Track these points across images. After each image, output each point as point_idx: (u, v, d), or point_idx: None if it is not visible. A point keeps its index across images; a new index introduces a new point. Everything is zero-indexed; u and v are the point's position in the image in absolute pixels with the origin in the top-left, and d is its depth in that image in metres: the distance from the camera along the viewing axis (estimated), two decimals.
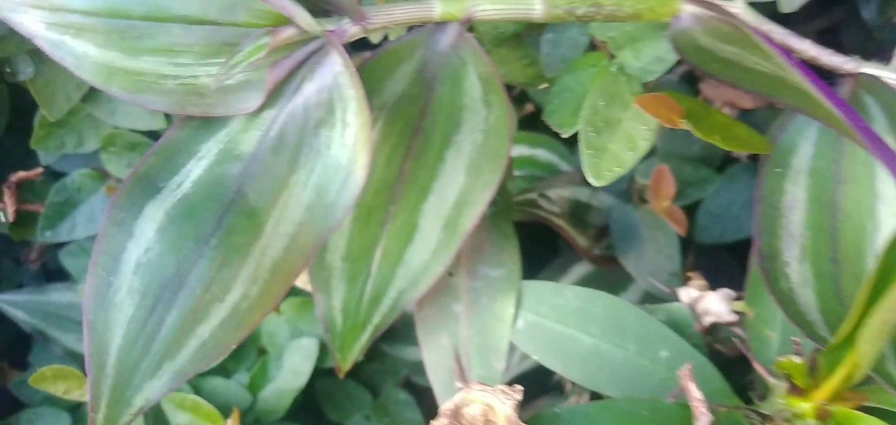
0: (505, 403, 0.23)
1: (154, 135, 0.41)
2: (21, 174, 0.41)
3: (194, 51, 0.24)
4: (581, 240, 0.41)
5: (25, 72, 0.37)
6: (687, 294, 0.32)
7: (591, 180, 0.27)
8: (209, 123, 0.25)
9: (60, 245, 0.45)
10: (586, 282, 0.43)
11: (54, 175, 0.44)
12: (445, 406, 0.23)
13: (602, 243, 0.43)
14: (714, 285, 0.35)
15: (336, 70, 0.25)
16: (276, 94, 0.25)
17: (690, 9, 0.27)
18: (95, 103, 0.39)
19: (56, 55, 0.23)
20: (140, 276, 0.23)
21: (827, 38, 0.31)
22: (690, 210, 0.41)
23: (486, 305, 0.33)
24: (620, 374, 0.29)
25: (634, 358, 0.30)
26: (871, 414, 0.24)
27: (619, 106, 0.28)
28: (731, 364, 0.33)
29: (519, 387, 0.23)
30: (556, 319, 0.31)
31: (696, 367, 0.29)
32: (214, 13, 0.24)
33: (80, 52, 0.23)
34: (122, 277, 0.23)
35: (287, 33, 0.25)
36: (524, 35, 0.31)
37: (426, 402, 0.45)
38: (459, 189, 0.30)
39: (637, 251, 0.41)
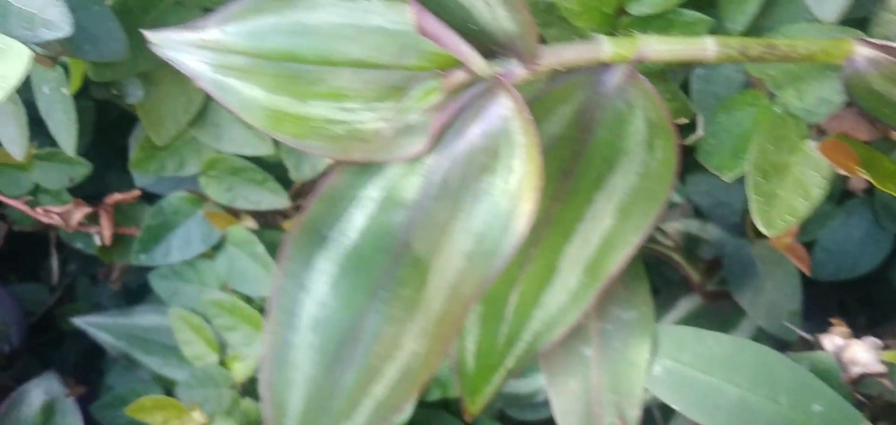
0: None
1: (258, 161, 0.40)
2: (117, 196, 0.40)
3: (363, 95, 0.23)
4: (694, 275, 0.40)
5: (134, 94, 0.36)
6: (831, 342, 0.31)
7: (762, 228, 0.25)
8: (368, 168, 0.24)
9: (142, 266, 0.44)
10: (694, 316, 0.42)
11: (145, 196, 0.43)
12: None
13: (713, 278, 0.41)
14: (822, 325, 0.33)
15: (504, 114, 0.24)
16: (439, 138, 0.24)
17: (865, 52, 0.25)
18: (201, 127, 0.38)
19: (220, 97, 0.22)
20: (318, 334, 0.22)
21: None
22: (807, 247, 0.40)
23: (618, 349, 0.32)
24: None
25: (786, 412, 0.29)
26: None
27: (787, 150, 0.26)
28: (877, 417, 0.32)
29: None
30: (698, 367, 0.30)
31: (851, 420, 0.28)
32: (385, 57, 0.23)
33: (247, 96, 0.22)
34: (299, 334, 0.22)
35: (457, 77, 0.23)
36: (669, 70, 0.29)
37: None
38: (606, 232, 0.28)
39: (754, 288, 0.39)
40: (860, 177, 0.25)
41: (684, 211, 0.40)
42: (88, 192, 0.42)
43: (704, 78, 0.29)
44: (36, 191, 0.41)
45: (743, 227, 0.40)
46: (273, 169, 0.40)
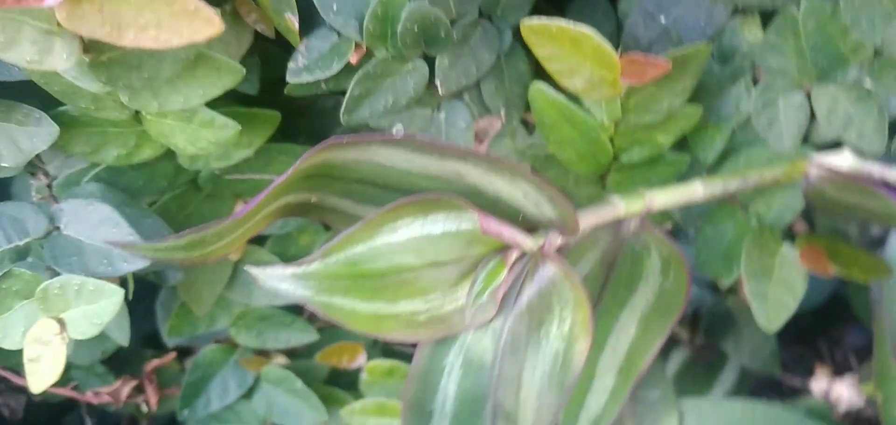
0: None
1: (285, 307, 0.43)
2: (155, 362, 0.43)
3: (441, 287, 0.27)
4: (682, 333, 0.46)
5: (175, 277, 0.39)
6: (819, 385, 0.37)
7: (765, 326, 0.31)
8: (445, 341, 0.28)
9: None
10: (686, 366, 0.48)
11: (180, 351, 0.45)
12: None
13: (698, 331, 0.47)
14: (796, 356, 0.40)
15: (551, 276, 0.28)
16: (502, 303, 0.29)
17: (817, 171, 0.32)
18: (233, 289, 0.41)
19: (326, 313, 0.26)
20: None
21: None
22: None
23: None
24: None
25: None
26: None
27: (768, 254, 0.32)
28: None
29: None
30: None
31: None
32: (455, 253, 0.27)
33: (350, 309, 0.26)
34: None
35: (512, 254, 0.28)
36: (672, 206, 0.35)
37: None
38: (631, 340, 0.34)
39: (734, 335, 0.45)
40: (830, 272, 0.31)
41: None
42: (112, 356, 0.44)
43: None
44: (68, 368, 0.43)
45: (715, 285, 0.46)
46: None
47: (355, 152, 0.25)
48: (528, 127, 0.34)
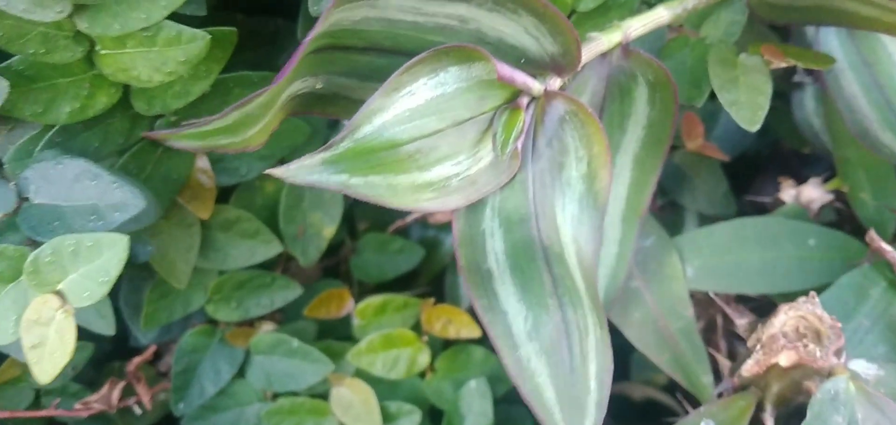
0: (815, 308, 0.28)
1: (264, 266, 0.41)
2: (137, 360, 0.40)
3: (465, 147, 0.27)
4: None
5: (145, 252, 0.36)
6: (788, 194, 0.40)
7: (747, 127, 0.33)
8: (475, 206, 0.28)
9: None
10: None
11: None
12: (770, 332, 0.28)
13: (656, 195, 0.49)
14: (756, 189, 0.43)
15: (561, 115, 0.29)
16: (522, 154, 0.29)
17: None
18: (205, 257, 0.39)
19: (367, 195, 0.25)
20: (535, 341, 0.26)
21: None
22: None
23: (656, 270, 0.39)
24: (789, 272, 0.36)
25: (794, 254, 0.37)
26: None
27: (730, 66, 0.34)
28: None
29: (813, 293, 0.29)
30: (718, 254, 0.38)
31: (837, 241, 0.37)
32: (472, 109, 0.27)
33: (387, 184, 0.25)
34: (523, 349, 0.26)
35: (524, 101, 0.28)
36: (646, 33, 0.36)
37: None
38: (628, 183, 0.35)
39: (689, 187, 0.48)
40: (789, 63, 0.34)
41: None
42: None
43: (641, 40, 0.36)
44: (38, 395, 0.39)
45: None
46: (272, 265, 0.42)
47: (365, 8, 0.24)
48: None
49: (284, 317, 0.45)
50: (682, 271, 0.38)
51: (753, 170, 0.52)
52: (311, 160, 0.24)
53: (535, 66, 0.29)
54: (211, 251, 0.39)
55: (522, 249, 0.28)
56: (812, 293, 0.29)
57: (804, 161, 0.49)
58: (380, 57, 0.26)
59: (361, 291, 0.47)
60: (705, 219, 0.49)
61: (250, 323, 0.42)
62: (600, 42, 0.31)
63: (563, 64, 0.28)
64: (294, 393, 0.42)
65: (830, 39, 0.38)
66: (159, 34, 0.27)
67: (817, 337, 0.28)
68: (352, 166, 0.25)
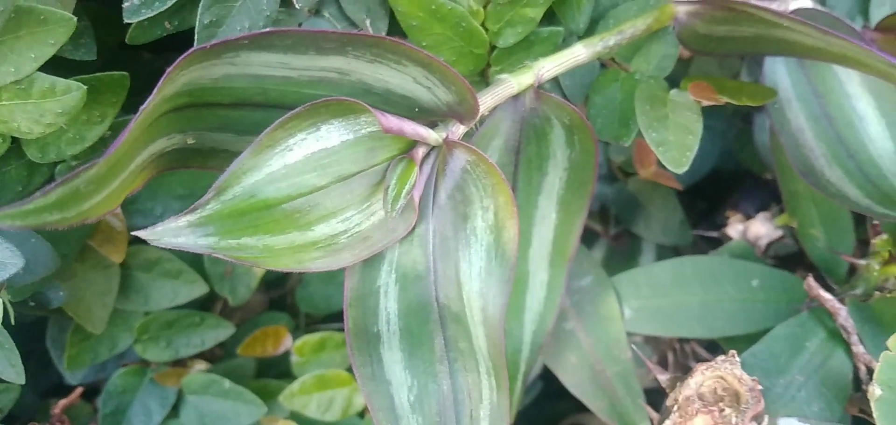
0: (734, 368, 0.27)
1: (194, 305, 0.40)
2: (62, 403, 0.39)
3: (353, 203, 0.26)
4: (598, 227, 0.46)
5: (57, 298, 0.35)
6: (735, 230, 0.38)
7: (673, 169, 0.31)
8: (372, 260, 0.27)
9: None
10: (608, 258, 0.48)
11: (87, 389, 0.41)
12: (685, 394, 0.27)
13: (610, 223, 0.48)
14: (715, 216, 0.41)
15: (463, 165, 0.27)
16: (421, 207, 0.27)
17: (685, 8, 0.32)
18: (126, 298, 0.38)
19: (238, 258, 0.24)
20: (419, 412, 0.25)
21: None
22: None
23: (592, 312, 0.37)
24: (730, 315, 0.35)
25: (735, 296, 0.35)
26: None
27: (659, 103, 0.32)
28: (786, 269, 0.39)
29: (733, 352, 0.27)
30: (657, 296, 0.36)
31: (781, 281, 0.35)
32: (359, 164, 0.25)
33: (262, 246, 0.24)
34: (406, 421, 0.24)
35: (420, 152, 0.27)
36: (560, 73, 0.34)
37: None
38: (555, 225, 0.33)
39: (643, 217, 0.46)
40: (721, 101, 0.32)
41: None
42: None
43: (569, 74, 0.34)
44: None
45: (613, 175, 0.47)
46: (204, 304, 0.41)
47: (225, 65, 0.23)
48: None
49: (225, 352, 0.43)
50: (619, 312, 0.36)
51: (715, 198, 0.51)
52: (176, 223, 0.23)
53: (434, 115, 0.27)
54: (132, 292, 0.38)
55: (416, 309, 0.26)
56: (732, 352, 0.28)
57: (770, 188, 0.47)
58: (255, 111, 0.24)
59: (309, 323, 0.46)
60: (663, 250, 0.47)
61: (183, 363, 0.41)
62: (510, 85, 0.29)
63: (461, 112, 0.27)
64: None
65: (778, 69, 0.36)
66: (33, 86, 0.26)
67: (736, 400, 0.26)
68: (221, 228, 0.23)
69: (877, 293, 0.32)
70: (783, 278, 0.35)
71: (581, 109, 0.30)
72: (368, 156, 0.26)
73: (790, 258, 0.39)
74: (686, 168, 0.32)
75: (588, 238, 0.47)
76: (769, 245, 0.38)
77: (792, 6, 0.37)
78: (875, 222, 0.33)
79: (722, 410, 0.26)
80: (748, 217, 0.39)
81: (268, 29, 0.24)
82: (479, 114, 0.28)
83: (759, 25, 0.31)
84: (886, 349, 0.27)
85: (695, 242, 0.47)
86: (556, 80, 0.36)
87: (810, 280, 0.31)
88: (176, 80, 0.21)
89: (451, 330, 0.26)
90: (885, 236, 0.31)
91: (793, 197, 0.36)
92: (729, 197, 0.49)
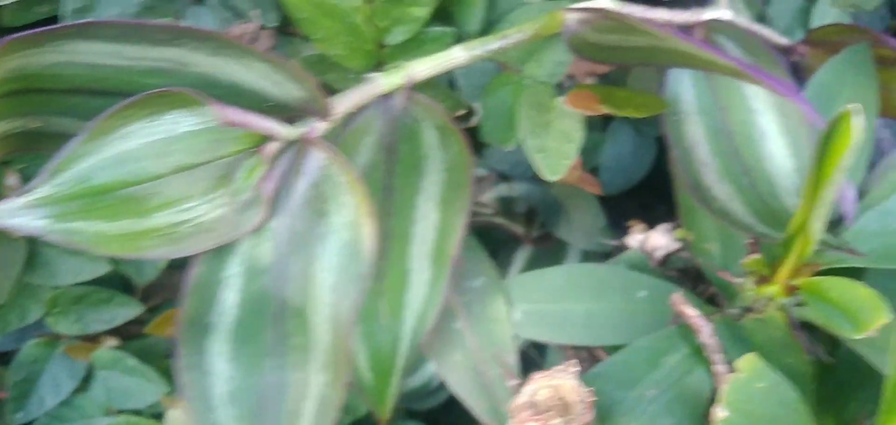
0: (569, 379, 0.27)
1: (100, 282, 0.41)
2: None
3: (196, 193, 0.26)
4: (519, 229, 0.46)
5: None
6: (634, 240, 0.38)
7: (548, 177, 0.31)
8: (222, 251, 0.27)
9: None
10: (532, 261, 0.48)
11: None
12: (519, 401, 0.27)
13: (535, 225, 0.48)
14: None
15: (320, 164, 0.28)
16: (274, 202, 0.28)
17: (574, 16, 0.32)
18: (34, 271, 0.39)
19: (69, 242, 0.24)
20: (236, 405, 0.25)
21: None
22: (594, 172, 0.47)
23: (481, 313, 0.37)
24: (615, 324, 0.34)
25: (621, 306, 0.35)
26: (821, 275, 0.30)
27: (545, 110, 0.32)
28: (684, 282, 0.39)
29: (574, 362, 0.27)
30: (547, 301, 0.36)
31: (670, 293, 0.35)
32: (204, 155, 0.26)
33: (93, 232, 0.24)
34: (219, 412, 0.25)
35: (271, 148, 0.27)
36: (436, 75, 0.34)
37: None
38: (436, 225, 0.33)
39: (566, 221, 0.46)
40: (601, 111, 0.31)
41: (491, 180, 0.46)
42: None
43: (465, 75, 0.34)
44: None
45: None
46: (114, 282, 0.42)
47: (51, 54, 0.23)
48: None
49: (140, 326, 0.44)
50: (507, 315, 0.36)
51: (646, 205, 0.50)
52: (12, 203, 0.24)
53: (291, 111, 0.27)
54: (39, 266, 0.39)
55: (255, 302, 0.27)
56: (571, 362, 0.28)
57: None
58: (94, 98, 0.25)
59: None
60: (589, 255, 0.47)
61: (95, 338, 0.42)
62: (378, 84, 0.29)
63: (316, 110, 0.27)
64: (137, 412, 0.42)
65: (683, 80, 0.36)
66: None
67: (566, 409, 0.26)
68: (54, 212, 0.24)
69: (748, 313, 0.32)
70: (670, 291, 0.35)
71: (448, 113, 0.30)
72: (214, 147, 0.26)
73: (696, 272, 0.39)
74: (561, 176, 0.32)
75: (512, 240, 0.47)
76: (666, 257, 0.38)
77: (706, 16, 0.36)
78: (751, 241, 0.32)
79: (550, 419, 0.26)
80: (651, 227, 0.38)
81: (92, 19, 0.24)
82: (336, 113, 0.28)
83: (639, 36, 0.30)
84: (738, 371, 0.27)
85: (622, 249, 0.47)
86: (452, 80, 0.36)
87: (676, 295, 0.31)
88: (2, 66, 0.22)
89: (288, 325, 0.27)
90: (758, 256, 0.30)
91: (689, 210, 0.36)
92: (660, 204, 0.49)
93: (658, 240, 0.38)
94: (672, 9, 0.36)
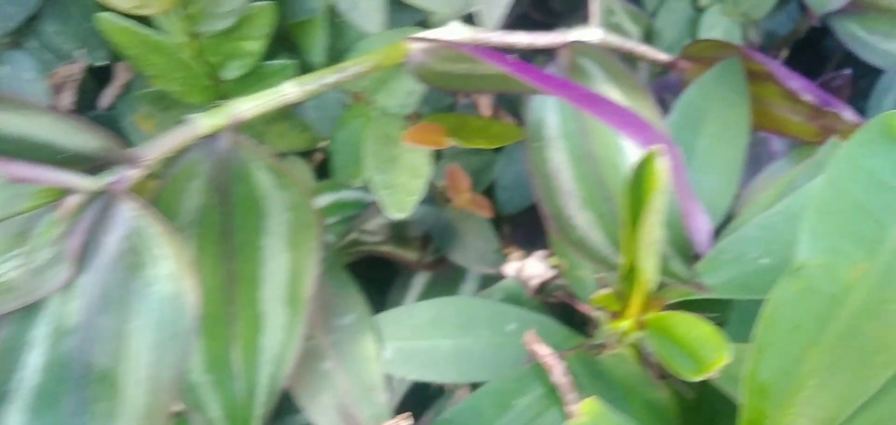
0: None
1: None
2: None
3: None
4: (410, 256, 0.45)
5: None
6: (511, 268, 0.36)
7: (393, 215, 0.30)
8: (31, 310, 0.26)
9: None
10: (429, 287, 0.47)
11: None
12: None
13: (430, 249, 0.46)
14: (535, 247, 0.39)
15: (129, 215, 0.26)
16: (82, 259, 0.26)
17: (419, 46, 0.30)
18: None
19: None
20: None
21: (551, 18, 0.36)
22: (492, 191, 0.46)
23: (350, 351, 0.35)
24: (484, 360, 0.33)
25: (489, 340, 0.34)
26: (677, 308, 0.29)
27: (392, 144, 0.31)
28: (565, 310, 0.38)
29: (407, 414, 0.26)
30: (416, 337, 0.34)
31: (540, 327, 0.33)
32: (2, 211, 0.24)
33: None
34: None
35: (72, 201, 0.25)
36: (291, 107, 0.33)
37: None
38: (287, 266, 0.32)
39: (460, 245, 0.45)
40: (446, 145, 0.30)
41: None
42: None
43: (317, 107, 0.33)
44: None
45: (435, 198, 0.45)
46: None
47: None
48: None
49: None
50: (377, 353, 0.35)
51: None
52: None
53: (94, 161, 0.26)
54: None
55: (58, 366, 0.25)
56: (404, 415, 0.26)
57: None
58: None
59: None
60: (489, 278, 0.46)
61: None
62: (198, 126, 0.28)
63: (120, 158, 0.26)
64: None
65: (548, 106, 0.34)
66: None
67: None
68: None
69: (605, 348, 0.30)
70: (540, 323, 0.34)
71: (276, 157, 0.28)
72: (9, 204, 0.25)
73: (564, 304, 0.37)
74: (407, 214, 0.30)
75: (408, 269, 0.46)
76: (542, 285, 0.36)
77: (571, 37, 0.35)
78: (601, 275, 0.31)
79: None
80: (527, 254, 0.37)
81: None
82: (148, 159, 0.27)
83: (483, 65, 0.29)
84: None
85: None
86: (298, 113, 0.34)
87: (529, 333, 0.30)
88: None
89: (93, 389, 0.25)
90: (608, 290, 0.29)
91: (556, 238, 0.35)
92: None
93: (534, 268, 0.36)
94: (541, 31, 0.35)
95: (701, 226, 0.28)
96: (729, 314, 0.32)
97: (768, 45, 0.51)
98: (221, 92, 0.31)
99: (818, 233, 0.24)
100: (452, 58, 0.30)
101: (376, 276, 0.47)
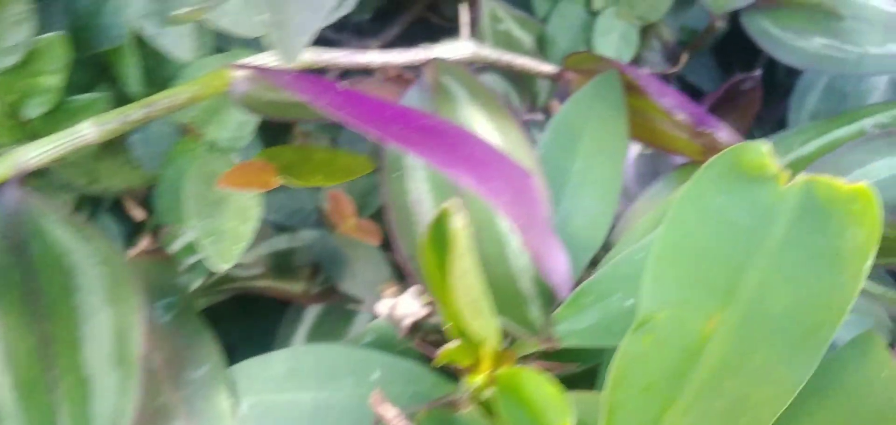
0: None
1: None
2: None
3: None
4: (295, 288, 0.41)
5: None
6: (384, 306, 0.33)
7: (218, 267, 0.26)
8: None
9: None
10: (322, 320, 0.43)
11: None
12: None
13: (319, 278, 0.43)
14: None
15: None
16: None
17: (243, 73, 0.27)
18: None
19: None
20: None
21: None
22: (380, 215, 0.42)
23: (203, 408, 0.32)
24: (346, 413, 0.30)
25: (352, 391, 0.31)
26: (540, 358, 0.26)
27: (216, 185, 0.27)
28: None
29: None
30: (273, 391, 0.31)
31: (405, 373, 0.30)
32: None
33: None
34: None
35: None
36: (119, 141, 0.30)
37: None
38: (109, 323, 0.28)
39: (349, 273, 0.41)
40: (275, 184, 0.27)
41: (263, 233, 0.41)
42: None
43: (142, 141, 0.29)
44: None
45: (324, 221, 0.42)
46: None
47: None
48: None
49: None
50: (231, 409, 0.32)
51: None
52: None
53: None
54: None
55: None
56: None
57: None
58: None
59: None
60: None
61: None
62: None
63: None
64: None
65: None
66: None
67: None
68: None
69: (464, 404, 0.27)
70: (407, 370, 0.31)
71: (65, 212, 0.25)
72: None
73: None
74: (233, 262, 0.27)
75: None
76: (415, 325, 0.33)
77: (435, 53, 0.32)
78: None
79: None
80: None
81: None
82: None
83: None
84: None
85: None
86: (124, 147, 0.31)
87: (375, 394, 0.26)
88: None
89: None
90: (456, 344, 0.26)
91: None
92: None
93: (406, 306, 0.33)
94: (402, 49, 0.31)
95: (557, 267, 0.25)
96: (606, 357, 0.29)
97: (687, 42, 0.48)
98: (30, 132, 0.28)
99: (663, 281, 0.21)
100: (274, 89, 0.26)
101: (265, 310, 0.44)
